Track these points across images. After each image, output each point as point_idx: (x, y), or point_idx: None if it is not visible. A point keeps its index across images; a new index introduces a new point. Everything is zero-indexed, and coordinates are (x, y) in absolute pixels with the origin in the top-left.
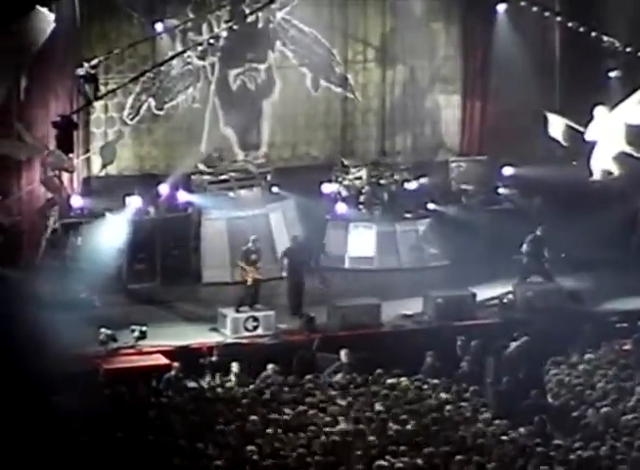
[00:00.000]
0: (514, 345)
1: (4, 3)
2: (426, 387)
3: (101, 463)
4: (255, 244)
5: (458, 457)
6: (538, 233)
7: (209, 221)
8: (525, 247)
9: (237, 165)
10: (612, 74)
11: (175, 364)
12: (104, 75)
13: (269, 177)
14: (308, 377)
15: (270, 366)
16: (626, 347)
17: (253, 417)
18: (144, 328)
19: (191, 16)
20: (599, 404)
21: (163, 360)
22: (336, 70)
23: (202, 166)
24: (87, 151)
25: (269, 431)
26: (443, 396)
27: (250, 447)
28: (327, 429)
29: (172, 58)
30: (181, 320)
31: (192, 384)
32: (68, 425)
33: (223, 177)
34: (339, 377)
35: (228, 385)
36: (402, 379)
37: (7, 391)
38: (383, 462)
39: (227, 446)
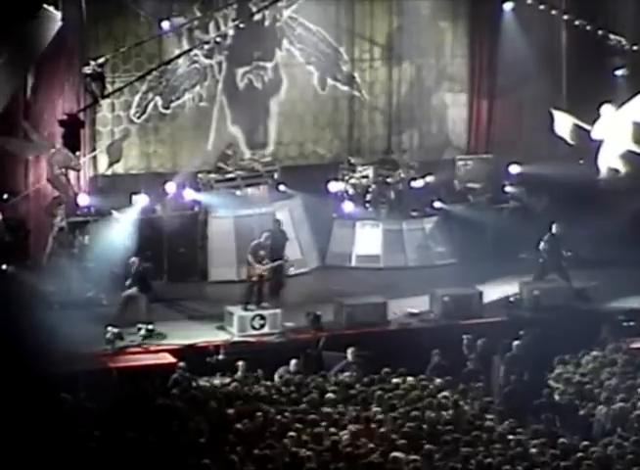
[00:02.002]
0: (517, 343)
1: (10, 2)
2: (432, 386)
3: (110, 461)
4: (267, 240)
5: (464, 455)
6: (554, 231)
7: (216, 220)
8: (542, 245)
9: (244, 164)
10: (618, 73)
11: (180, 364)
12: (110, 74)
13: (276, 176)
14: (315, 376)
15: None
16: (636, 345)
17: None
18: (150, 326)
19: (198, 14)
20: (607, 402)
21: (170, 359)
22: (342, 68)
23: (221, 165)
24: (94, 149)
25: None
26: (450, 394)
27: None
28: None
29: (179, 56)
30: (188, 319)
31: (199, 383)
32: (76, 423)
33: (230, 176)
34: (345, 376)
35: (235, 384)
36: (409, 378)
37: (15, 389)
38: (399, 454)
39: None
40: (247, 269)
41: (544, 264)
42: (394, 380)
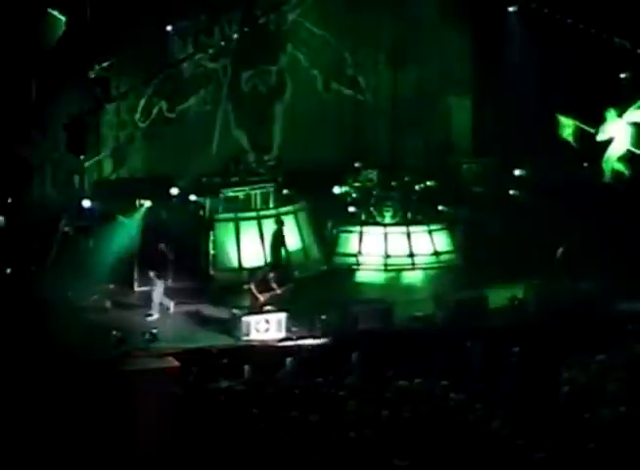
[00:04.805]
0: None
1: (16, 6)
2: (437, 389)
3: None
4: (273, 278)
5: (469, 459)
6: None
7: (220, 223)
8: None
9: (248, 168)
10: (623, 76)
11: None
12: (115, 78)
13: (280, 179)
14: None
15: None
16: None
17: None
18: (155, 331)
19: (202, 18)
20: (613, 406)
21: (175, 363)
22: (347, 72)
23: (231, 166)
24: (99, 153)
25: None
26: (455, 398)
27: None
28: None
29: (184, 60)
30: (192, 322)
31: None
32: (82, 427)
33: (234, 179)
34: (350, 379)
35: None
36: (414, 381)
37: (18, 393)
38: (397, 461)
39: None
40: (250, 298)
41: (550, 267)
42: (399, 383)
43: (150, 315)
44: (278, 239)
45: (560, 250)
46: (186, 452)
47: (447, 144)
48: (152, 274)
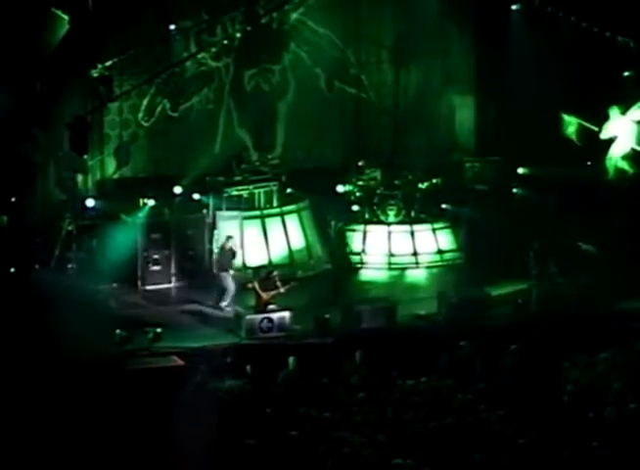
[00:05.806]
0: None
1: (19, 6)
2: (441, 387)
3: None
4: (275, 277)
5: (472, 458)
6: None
7: (224, 222)
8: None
9: (251, 166)
10: (626, 74)
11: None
12: (118, 77)
13: (283, 178)
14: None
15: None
16: None
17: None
18: (159, 330)
19: (205, 17)
20: (615, 404)
21: (178, 362)
22: (350, 70)
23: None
24: (102, 153)
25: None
26: (458, 396)
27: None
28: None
29: (187, 59)
30: (196, 322)
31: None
32: (85, 424)
33: (237, 178)
34: (354, 378)
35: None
36: (418, 379)
37: (23, 393)
38: (399, 460)
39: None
40: (255, 298)
41: (551, 265)
42: (403, 382)
43: (228, 307)
44: (342, 239)
45: (530, 252)
46: (191, 452)
47: (450, 143)
48: (226, 273)
